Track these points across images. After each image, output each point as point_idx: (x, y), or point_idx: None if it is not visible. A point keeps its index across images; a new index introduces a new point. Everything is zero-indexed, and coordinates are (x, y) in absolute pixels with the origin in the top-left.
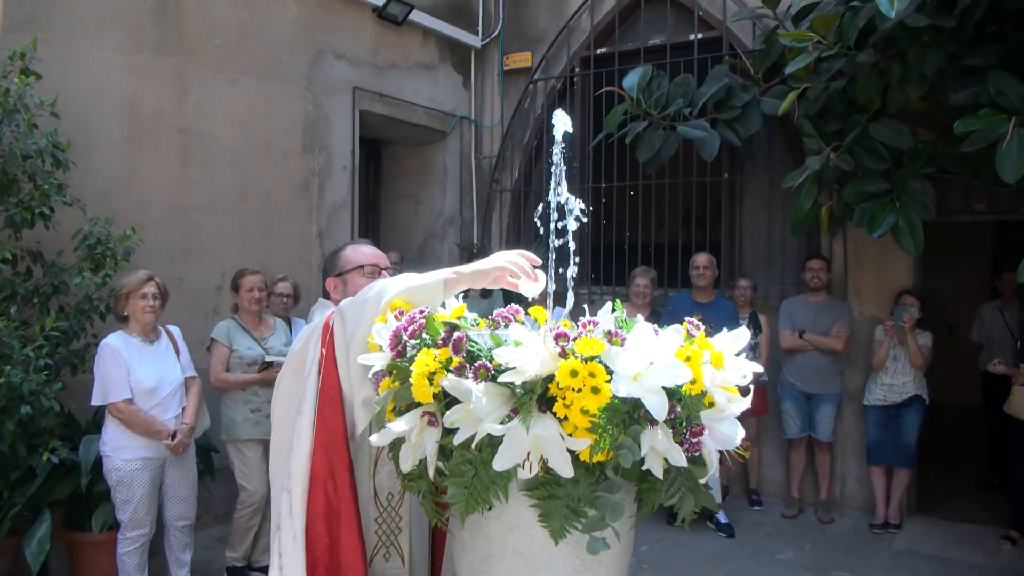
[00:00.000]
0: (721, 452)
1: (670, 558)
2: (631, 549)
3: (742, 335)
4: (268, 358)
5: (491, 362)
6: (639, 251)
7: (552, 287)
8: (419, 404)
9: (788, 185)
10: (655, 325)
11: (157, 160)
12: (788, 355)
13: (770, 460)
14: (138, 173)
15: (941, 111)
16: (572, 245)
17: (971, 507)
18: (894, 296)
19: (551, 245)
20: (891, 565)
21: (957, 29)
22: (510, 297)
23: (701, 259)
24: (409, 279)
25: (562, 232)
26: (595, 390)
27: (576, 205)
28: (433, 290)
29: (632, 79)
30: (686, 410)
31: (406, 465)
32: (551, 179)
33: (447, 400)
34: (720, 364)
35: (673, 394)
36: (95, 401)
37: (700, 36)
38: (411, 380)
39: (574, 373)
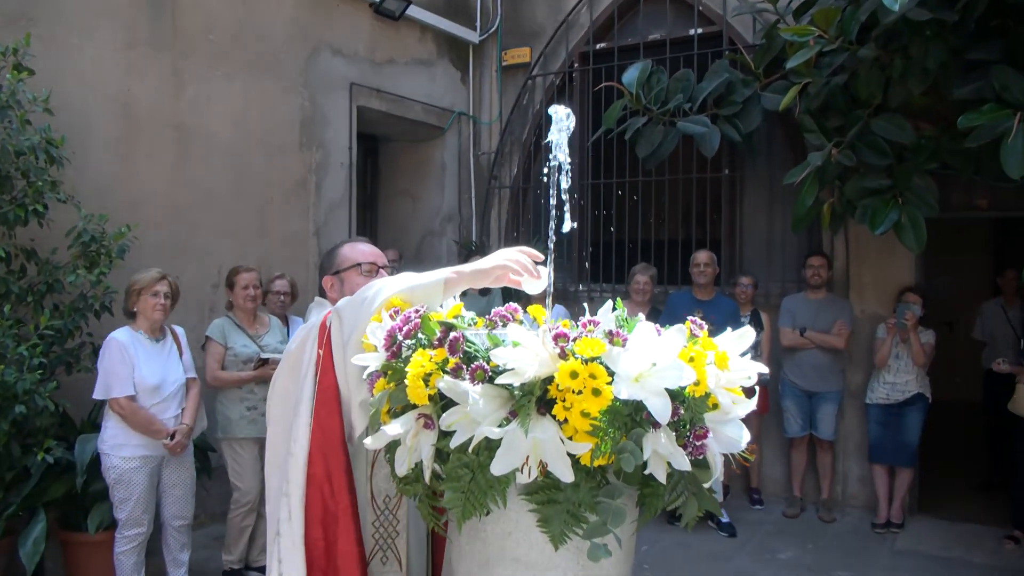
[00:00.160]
0: (726, 455)
1: (671, 557)
2: (633, 554)
3: (747, 335)
4: (264, 355)
5: (488, 363)
6: (639, 248)
7: (550, 287)
8: (414, 406)
9: (789, 181)
10: (657, 324)
11: (152, 157)
12: (789, 353)
13: (771, 459)
14: (133, 170)
15: (943, 106)
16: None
17: (973, 506)
18: (896, 293)
19: (550, 243)
20: (893, 565)
21: (960, 23)
22: (509, 295)
23: (702, 256)
24: (409, 279)
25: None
26: (596, 392)
27: (566, 162)
28: (433, 290)
29: (632, 74)
30: (690, 412)
31: (401, 468)
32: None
33: (443, 402)
34: (724, 365)
35: (676, 396)
36: (97, 395)
37: (700, 31)
38: (406, 381)
39: (574, 375)
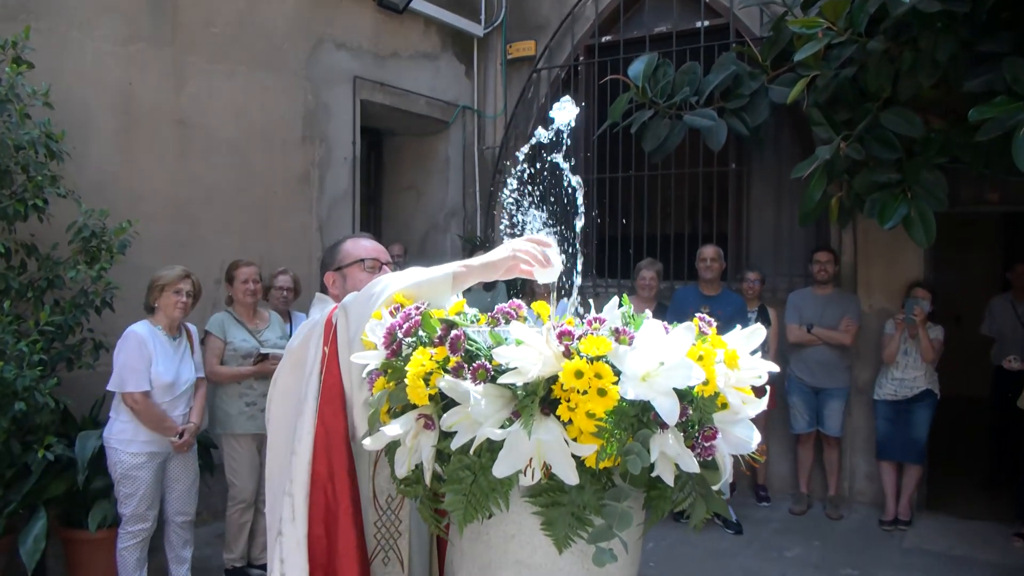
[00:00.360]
0: (735, 456)
1: (676, 555)
2: (639, 558)
3: (757, 333)
4: (263, 350)
5: (491, 362)
6: (644, 243)
7: (575, 279)
8: (415, 406)
9: (797, 175)
10: (664, 322)
11: (153, 152)
12: (795, 349)
13: (778, 455)
14: (134, 165)
15: (953, 99)
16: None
17: (981, 504)
18: (904, 289)
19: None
20: (901, 563)
21: (970, 15)
22: (514, 290)
23: (708, 251)
24: (416, 274)
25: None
26: (601, 392)
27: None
28: (441, 285)
29: (637, 67)
30: (698, 413)
31: (401, 470)
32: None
33: (444, 402)
34: (734, 364)
35: (684, 396)
36: (111, 387)
37: (707, 23)
38: (406, 381)
39: (579, 374)
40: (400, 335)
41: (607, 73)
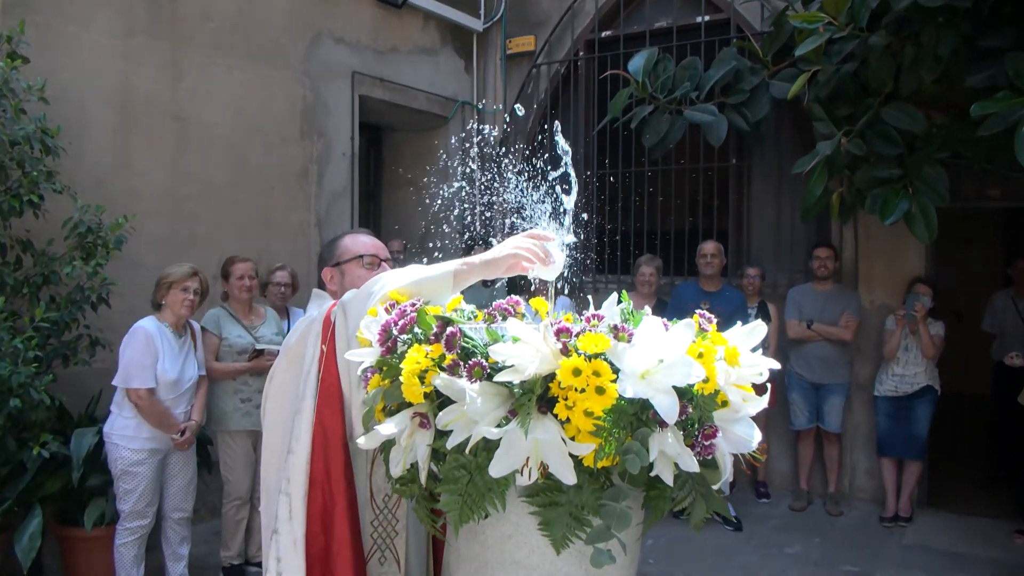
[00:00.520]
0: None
1: (676, 552)
2: (638, 559)
3: (758, 329)
4: (259, 346)
5: (487, 359)
6: (644, 239)
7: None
8: (410, 404)
9: (798, 171)
10: (664, 318)
11: (150, 147)
12: (795, 345)
13: (778, 452)
14: (131, 160)
15: (955, 94)
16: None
17: (982, 500)
18: (906, 284)
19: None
20: (902, 560)
21: (972, 9)
22: (514, 286)
23: (709, 247)
24: (416, 272)
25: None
26: (600, 390)
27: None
28: (442, 283)
29: (637, 62)
30: (698, 411)
31: (396, 469)
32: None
33: (440, 400)
34: (735, 361)
35: (684, 394)
36: (116, 382)
37: (707, 18)
38: (401, 378)
39: (577, 372)
40: (395, 332)
41: (607, 68)
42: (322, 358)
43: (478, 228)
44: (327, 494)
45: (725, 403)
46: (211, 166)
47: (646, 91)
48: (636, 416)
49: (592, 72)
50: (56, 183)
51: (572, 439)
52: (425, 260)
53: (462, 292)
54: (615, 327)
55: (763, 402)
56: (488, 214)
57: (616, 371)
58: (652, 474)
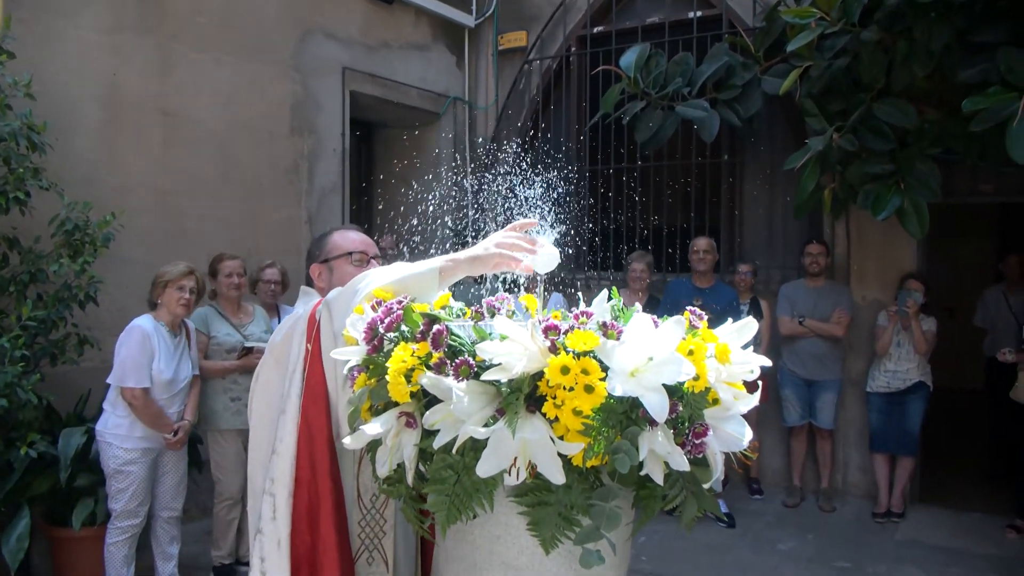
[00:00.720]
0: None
1: (669, 549)
2: (628, 560)
3: (748, 326)
4: (248, 344)
5: (474, 358)
6: (637, 235)
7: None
8: (396, 404)
9: (790, 167)
10: (654, 315)
11: (138, 143)
12: (788, 341)
13: (770, 448)
14: (118, 156)
15: (948, 89)
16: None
17: (974, 496)
18: (898, 280)
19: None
20: (895, 555)
21: (965, 4)
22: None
23: (701, 243)
24: (401, 269)
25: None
26: (588, 389)
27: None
28: (427, 279)
29: (629, 58)
30: (688, 409)
31: (383, 469)
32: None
33: (427, 399)
34: (726, 358)
35: (674, 392)
36: (111, 380)
37: (699, 14)
38: (387, 377)
39: (565, 370)
40: (382, 330)
41: (599, 64)
42: (307, 357)
43: (470, 226)
44: (313, 494)
45: (716, 401)
46: (200, 162)
47: (638, 87)
48: (626, 414)
49: (584, 68)
50: (43, 180)
51: (561, 438)
52: (409, 257)
53: (451, 289)
54: (604, 324)
55: (754, 400)
56: (480, 211)
57: (605, 369)
58: (642, 473)
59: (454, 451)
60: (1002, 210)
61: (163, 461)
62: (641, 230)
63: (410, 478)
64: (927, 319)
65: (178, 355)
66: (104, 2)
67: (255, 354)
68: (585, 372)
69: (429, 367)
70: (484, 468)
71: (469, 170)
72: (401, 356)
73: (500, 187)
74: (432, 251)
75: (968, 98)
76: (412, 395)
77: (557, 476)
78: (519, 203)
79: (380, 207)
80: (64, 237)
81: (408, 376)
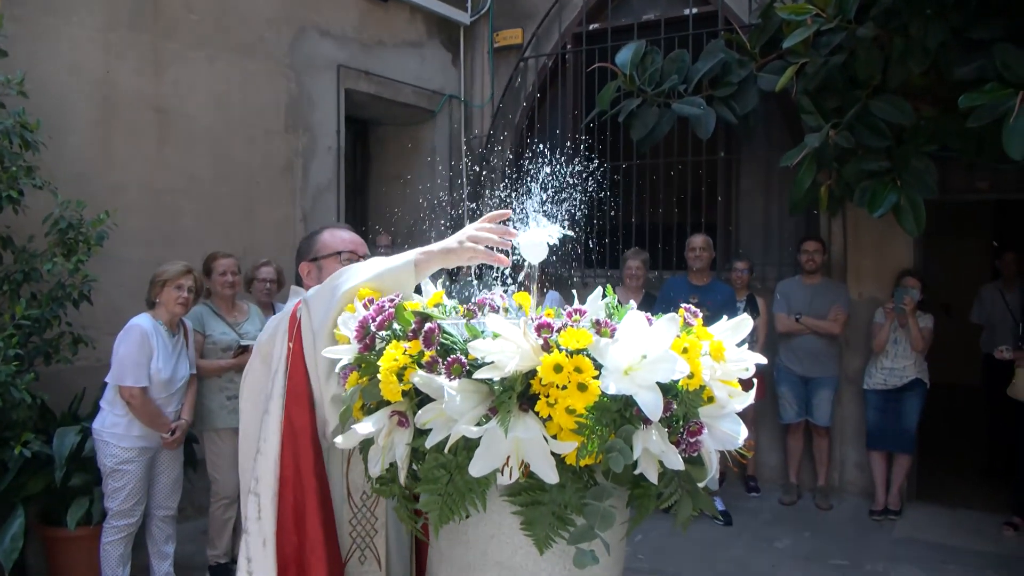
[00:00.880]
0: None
1: (665, 547)
2: (623, 559)
3: (744, 324)
4: (244, 342)
5: (466, 356)
6: (633, 232)
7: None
8: (388, 403)
9: (786, 164)
10: (648, 313)
11: (132, 141)
12: (784, 338)
13: (767, 445)
14: (112, 155)
15: (944, 86)
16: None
17: (971, 493)
18: (894, 277)
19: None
20: (892, 553)
21: (961, 1)
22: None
23: (697, 240)
24: (377, 264)
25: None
26: (582, 387)
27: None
28: (403, 273)
29: (625, 55)
30: (683, 407)
31: (375, 469)
32: None
33: (419, 398)
34: (720, 356)
35: (669, 390)
36: (109, 379)
37: (695, 11)
38: (379, 376)
39: (558, 368)
40: (373, 328)
41: (595, 61)
42: (289, 355)
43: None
44: (298, 493)
45: (711, 399)
46: (194, 161)
47: (634, 84)
48: (619, 413)
49: (580, 65)
50: (36, 178)
51: (554, 437)
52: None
53: (452, 287)
54: (597, 322)
55: (749, 398)
56: (478, 207)
57: (598, 367)
58: (636, 472)
59: (446, 450)
60: (998, 207)
61: (159, 460)
62: (637, 228)
63: (402, 478)
64: (924, 316)
65: (176, 354)
66: (97, 0)
67: (251, 352)
68: (578, 370)
69: (421, 365)
70: (477, 467)
71: (465, 167)
72: (393, 354)
73: (495, 184)
74: None
75: (964, 95)
76: (404, 394)
77: (550, 475)
78: (516, 200)
79: (375, 205)
80: (58, 236)
81: (400, 375)
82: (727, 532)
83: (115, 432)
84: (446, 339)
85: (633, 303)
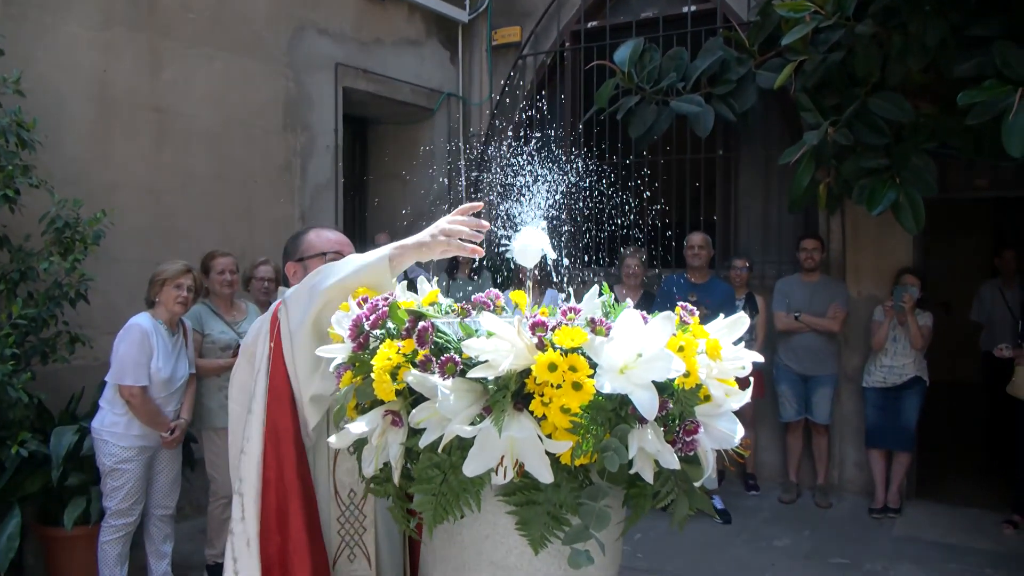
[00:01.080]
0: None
1: (664, 546)
2: (619, 559)
3: (740, 321)
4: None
5: (460, 355)
6: (631, 231)
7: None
8: (382, 402)
9: (785, 161)
10: (644, 312)
11: (129, 140)
12: (783, 336)
13: (766, 444)
14: (109, 154)
15: (943, 84)
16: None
17: (971, 491)
18: (894, 275)
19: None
20: (892, 552)
21: None
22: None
23: (696, 238)
24: (353, 261)
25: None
26: (576, 386)
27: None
28: (379, 269)
29: (623, 52)
30: (679, 406)
31: (369, 469)
32: None
33: (413, 397)
34: (717, 354)
35: (664, 389)
36: (109, 378)
37: (693, 8)
38: (373, 375)
39: (553, 367)
40: (367, 327)
41: (593, 59)
42: (271, 355)
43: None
44: (281, 493)
45: (707, 398)
46: (192, 159)
47: (632, 82)
48: (615, 412)
49: (578, 63)
50: (32, 177)
51: (549, 436)
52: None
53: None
54: (592, 320)
55: (745, 396)
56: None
57: (593, 366)
58: (632, 471)
59: (440, 450)
60: (998, 205)
61: (157, 459)
62: (636, 226)
63: (396, 477)
64: (923, 314)
65: (176, 354)
66: None
67: None
68: (573, 369)
69: (415, 364)
70: (471, 467)
71: (463, 165)
72: (386, 354)
73: (494, 184)
74: None
75: (963, 92)
76: (398, 393)
77: (545, 475)
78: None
79: (374, 203)
80: (54, 235)
81: (394, 374)
82: (726, 531)
83: (114, 431)
84: (440, 338)
85: (631, 301)
